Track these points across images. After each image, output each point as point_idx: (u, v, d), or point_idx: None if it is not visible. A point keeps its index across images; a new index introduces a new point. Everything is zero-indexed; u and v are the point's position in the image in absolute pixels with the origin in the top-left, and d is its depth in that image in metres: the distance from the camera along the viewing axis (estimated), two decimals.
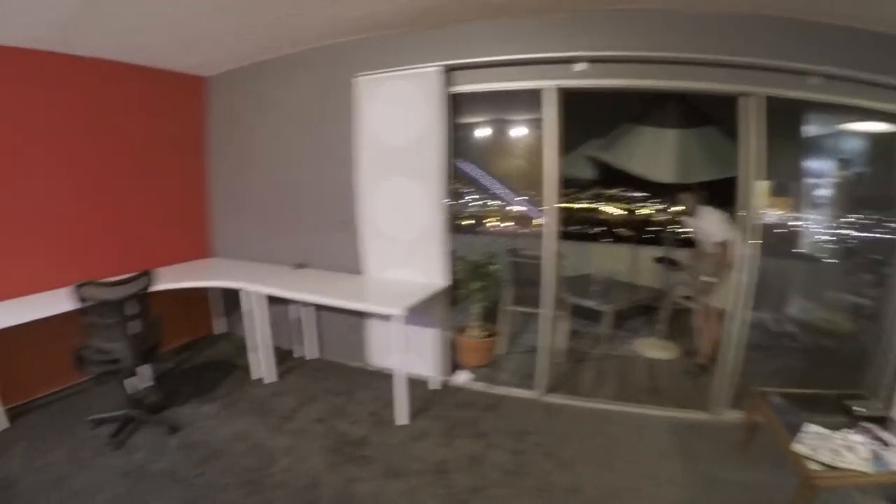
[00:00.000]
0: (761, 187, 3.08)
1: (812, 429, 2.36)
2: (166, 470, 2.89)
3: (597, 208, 4.89)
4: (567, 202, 3.88)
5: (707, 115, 4.32)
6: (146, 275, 3.16)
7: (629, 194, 5.06)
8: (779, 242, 4.60)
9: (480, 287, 3.58)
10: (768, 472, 2.70)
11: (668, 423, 3.25)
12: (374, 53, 3.68)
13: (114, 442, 3.15)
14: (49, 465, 2.99)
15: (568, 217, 3.50)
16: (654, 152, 4.25)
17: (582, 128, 3.37)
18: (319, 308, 4.26)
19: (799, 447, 2.26)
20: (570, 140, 3.43)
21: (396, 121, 3.61)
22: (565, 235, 3.53)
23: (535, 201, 3.75)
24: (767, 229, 3.21)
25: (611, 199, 5.00)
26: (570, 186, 4.31)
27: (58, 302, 3.38)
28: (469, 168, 4.16)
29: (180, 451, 3.08)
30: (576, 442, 3.09)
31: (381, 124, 3.67)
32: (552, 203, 3.35)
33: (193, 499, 2.64)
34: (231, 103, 4.72)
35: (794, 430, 2.37)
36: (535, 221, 3.90)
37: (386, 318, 3.32)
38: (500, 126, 3.88)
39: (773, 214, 3.39)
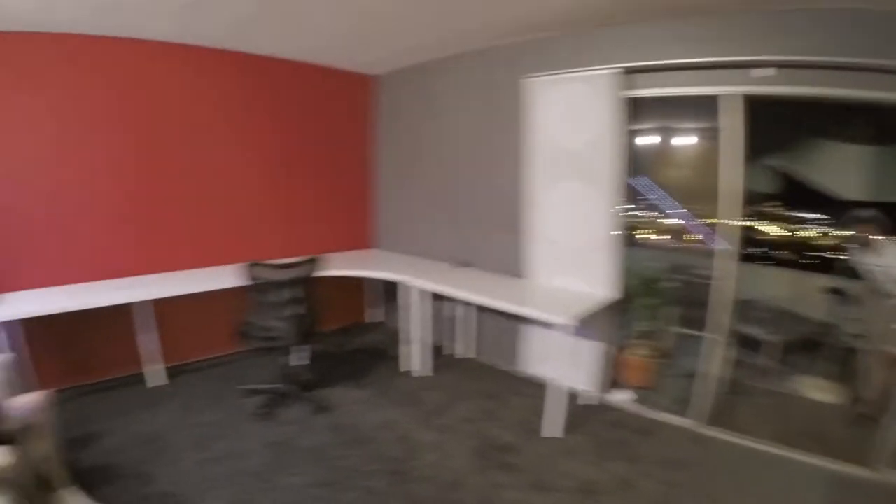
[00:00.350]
0: None
1: None
2: (312, 447, 2.91)
3: (755, 226, 4.43)
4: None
5: None
6: (313, 261, 3.22)
7: (791, 213, 4.59)
8: None
9: (650, 304, 3.35)
10: None
11: (826, 475, 2.86)
12: (544, 54, 3.59)
13: (264, 413, 3.23)
14: (199, 425, 3.13)
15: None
16: (847, 169, 3.84)
17: (754, 139, 3.09)
18: (477, 308, 4.19)
19: None
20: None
21: (568, 124, 3.48)
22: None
23: (700, 216, 3.50)
24: None
25: (770, 217, 4.52)
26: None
27: (223, 277, 3.61)
28: (632, 177, 3.91)
29: (328, 431, 3.09)
30: (730, 482, 2.76)
31: (553, 127, 3.56)
32: (730, 219, 3.10)
33: (336, 480, 2.62)
34: (398, 101, 4.85)
35: None
36: (696, 237, 3.61)
37: (547, 325, 3.16)
38: (667, 134, 3.62)
39: None
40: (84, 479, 2.50)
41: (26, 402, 2.26)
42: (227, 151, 4.18)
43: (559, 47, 3.52)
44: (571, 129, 3.47)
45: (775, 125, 3.68)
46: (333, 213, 5.00)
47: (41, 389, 2.61)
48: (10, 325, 2.96)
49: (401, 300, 3.99)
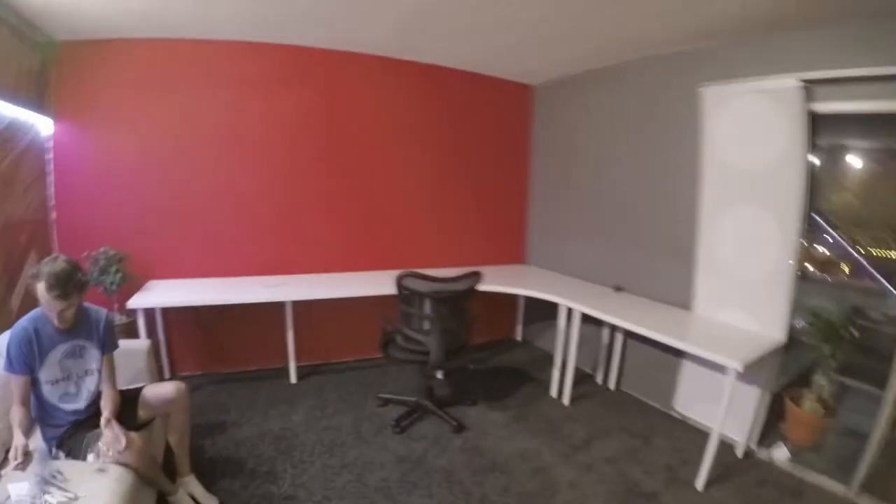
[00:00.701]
0: None
1: None
2: (444, 468, 2.80)
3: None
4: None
5: None
6: (474, 275, 3.07)
7: None
8: None
9: (828, 351, 2.95)
10: None
11: None
12: (716, 63, 3.26)
13: (397, 425, 3.18)
14: (329, 429, 3.14)
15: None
16: None
17: None
18: (629, 337, 3.87)
19: None
20: None
21: (746, 140, 3.15)
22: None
23: (882, 248, 3.05)
24: None
25: None
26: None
27: (372, 283, 3.66)
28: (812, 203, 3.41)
29: (462, 453, 2.98)
30: None
31: (728, 143, 3.23)
32: None
33: None
34: (556, 112, 4.70)
35: None
36: (872, 273, 3.13)
37: (705, 364, 2.91)
38: (839, 153, 3.18)
39: None
40: (208, 468, 2.57)
41: (163, 390, 2.30)
42: (388, 160, 4.26)
43: (737, 54, 3.16)
44: (749, 145, 3.13)
45: None
46: (488, 224, 4.93)
47: (177, 375, 2.73)
48: (151, 312, 3.14)
49: (555, 322, 3.75)
